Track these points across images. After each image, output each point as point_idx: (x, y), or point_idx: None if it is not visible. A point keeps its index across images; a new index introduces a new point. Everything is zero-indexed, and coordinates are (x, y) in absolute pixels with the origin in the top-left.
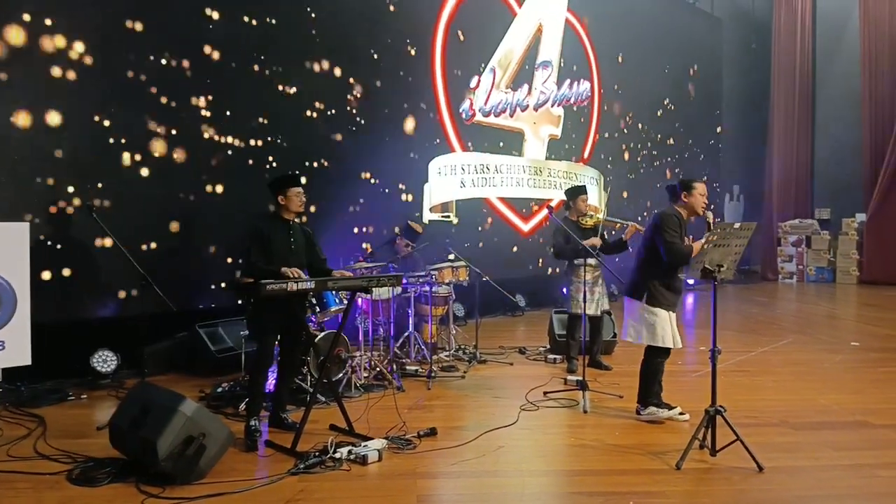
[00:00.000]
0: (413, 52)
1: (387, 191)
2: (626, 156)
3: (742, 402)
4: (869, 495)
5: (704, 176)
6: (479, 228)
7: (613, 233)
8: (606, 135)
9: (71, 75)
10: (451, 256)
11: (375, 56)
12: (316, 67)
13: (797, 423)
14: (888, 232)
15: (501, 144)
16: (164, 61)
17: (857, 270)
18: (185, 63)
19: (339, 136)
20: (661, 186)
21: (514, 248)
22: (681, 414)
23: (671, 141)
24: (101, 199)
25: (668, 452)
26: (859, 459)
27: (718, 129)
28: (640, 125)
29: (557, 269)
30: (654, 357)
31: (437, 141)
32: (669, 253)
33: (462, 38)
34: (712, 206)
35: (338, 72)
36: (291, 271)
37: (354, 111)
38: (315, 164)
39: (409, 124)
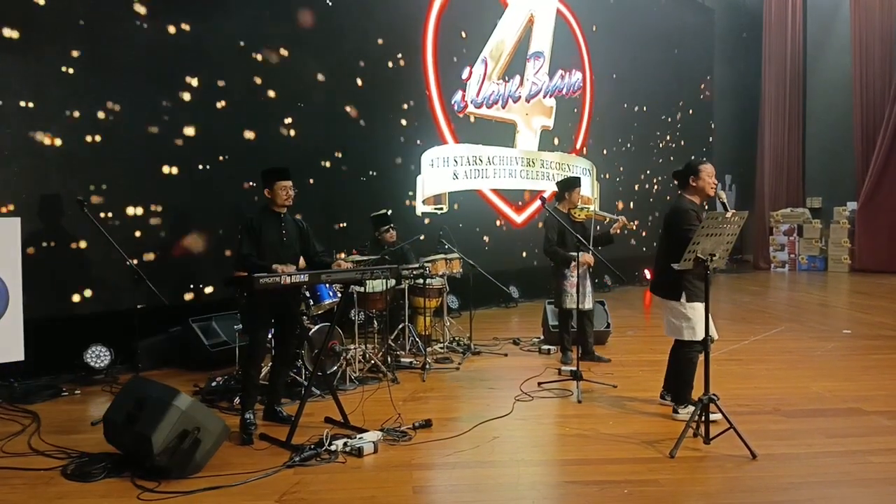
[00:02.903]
0: (404, 44)
1: (380, 187)
2: (618, 146)
3: (735, 391)
4: (862, 481)
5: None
6: (473, 220)
7: (599, 228)
8: (599, 125)
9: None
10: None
11: (366, 49)
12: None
13: (790, 410)
14: (879, 220)
15: (487, 128)
16: (160, 55)
17: (849, 259)
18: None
19: (330, 131)
20: (652, 175)
21: (508, 239)
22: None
23: (662, 131)
24: (92, 193)
25: (662, 441)
26: (852, 446)
27: (711, 107)
28: (631, 115)
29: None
30: (688, 350)
31: (425, 133)
32: None
33: (453, 29)
34: (725, 188)
35: (326, 65)
36: (284, 268)
37: (346, 105)
38: (318, 159)
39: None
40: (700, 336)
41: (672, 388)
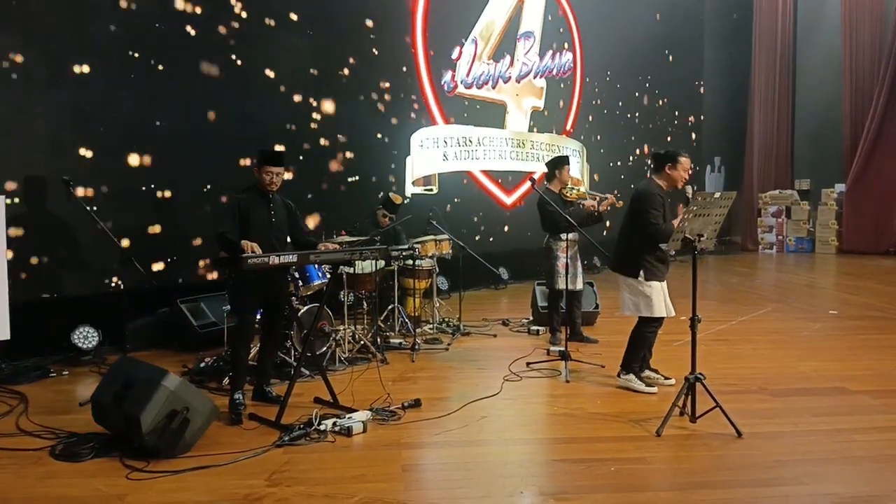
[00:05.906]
0: (393, 24)
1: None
2: (608, 127)
3: (722, 370)
4: (847, 459)
5: (685, 149)
6: (458, 200)
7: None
8: (588, 106)
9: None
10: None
11: (357, 28)
12: (295, 38)
13: (776, 389)
14: (867, 202)
15: (477, 109)
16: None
17: (836, 240)
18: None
19: (319, 111)
20: (640, 156)
21: (497, 221)
22: (648, 385)
23: (652, 112)
24: (79, 174)
25: (649, 420)
26: (837, 424)
27: (701, 89)
28: (621, 96)
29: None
30: (647, 326)
31: (414, 114)
32: (655, 234)
33: (443, 8)
34: (694, 186)
35: (317, 45)
36: (251, 246)
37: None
38: (292, 137)
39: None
40: (657, 313)
41: (624, 354)
